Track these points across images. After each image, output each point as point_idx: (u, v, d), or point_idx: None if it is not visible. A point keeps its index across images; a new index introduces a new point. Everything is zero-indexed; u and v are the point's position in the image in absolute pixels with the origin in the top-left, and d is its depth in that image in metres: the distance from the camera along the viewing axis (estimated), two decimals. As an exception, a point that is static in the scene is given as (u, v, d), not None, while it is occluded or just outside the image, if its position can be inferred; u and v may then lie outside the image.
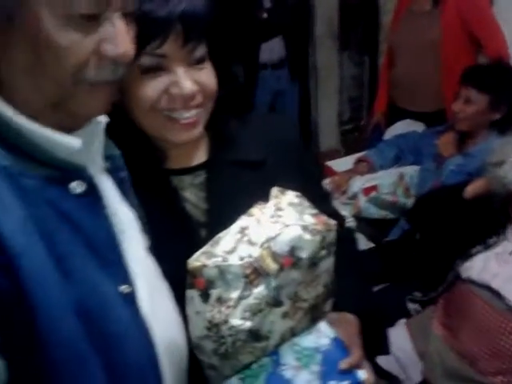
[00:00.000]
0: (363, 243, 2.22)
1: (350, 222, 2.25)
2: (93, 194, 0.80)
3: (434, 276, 1.97)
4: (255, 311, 0.95)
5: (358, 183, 2.43)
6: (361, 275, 1.25)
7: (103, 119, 0.85)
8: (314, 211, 1.04)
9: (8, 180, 0.70)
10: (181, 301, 0.99)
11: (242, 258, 0.94)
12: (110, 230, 0.83)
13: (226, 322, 0.93)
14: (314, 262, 1.00)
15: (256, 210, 1.00)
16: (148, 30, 0.84)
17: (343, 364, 1.01)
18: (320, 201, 1.14)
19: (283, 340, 1.03)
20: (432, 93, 2.73)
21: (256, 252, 0.95)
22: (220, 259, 0.94)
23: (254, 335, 0.97)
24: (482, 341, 1.71)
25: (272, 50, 3.82)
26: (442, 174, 2.23)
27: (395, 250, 2.18)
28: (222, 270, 0.93)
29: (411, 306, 2.00)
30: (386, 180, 2.38)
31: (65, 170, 0.77)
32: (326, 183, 2.53)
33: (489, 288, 1.72)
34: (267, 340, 1.00)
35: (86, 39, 0.71)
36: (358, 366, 1.03)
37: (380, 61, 3.51)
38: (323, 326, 1.06)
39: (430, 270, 2.01)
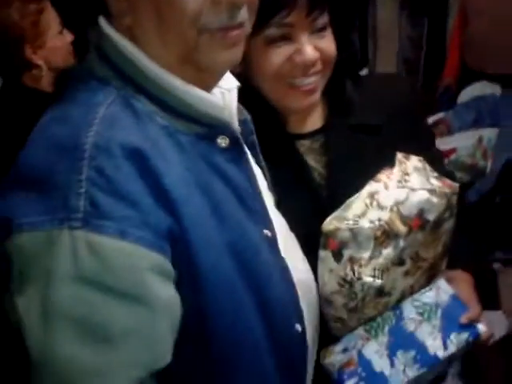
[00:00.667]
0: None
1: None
2: (237, 148, 0.88)
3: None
4: (384, 269, 1.04)
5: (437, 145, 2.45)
6: (472, 232, 1.31)
7: (236, 84, 0.94)
8: (437, 174, 1.10)
9: (168, 137, 0.79)
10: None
11: (372, 222, 1.02)
12: (251, 180, 0.91)
13: (359, 279, 1.02)
14: (438, 223, 1.07)
15: (383, 176, 1.07)
16: (276, 1, 0.90)
17: (464, 318, 1.09)
18: (435, 162, 1.19)
19: (403, 296, 1.11)
20: (510, 54, 2.70)
21: (385, 215, 1.02)
22: (351, 222, 1.02)
23: (380, 291, 1.06)
24: None
25: None
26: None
27: (474, 212, 2.21)
28: (355, 233, 1.02)
29: (494, 266, 2.05)
30: (464, 142, 2.39)
31: (211, 126, 0.85)
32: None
33: None
34: (389, 296, 1.09)
35: None
36: (476, 320, 1.10)
37: (449, 23, 3.46)
38: (442, 284, 1.13)
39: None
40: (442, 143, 2.45)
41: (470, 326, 1.09)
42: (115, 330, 0.69)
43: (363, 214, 1.03)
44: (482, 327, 1.09)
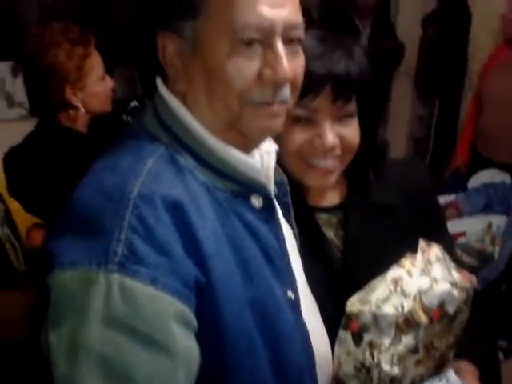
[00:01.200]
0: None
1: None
2: (269, 209, 0.93)
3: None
4: (401, 358, 1.04)
5: (447, 228, 2.49)
6: (481, 325, 1.33)
7: (275, 148, 0.99)
8: (455, 265, 1.13)
9: (206, 193, 0.85)
10: None
11: (395, 308, 1.03)
12: (280, 241, 0.94)
13: (377, 365, 1.02)
14: (455, 315, 1.09)
15: (407, 262, 1.09)
16: (304, 85, 0.94)
17: None
18: (449, 248, 1.23)
19: None
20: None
21: (408, 304, 1.04)
22: (374, 307, 1.03)
23: (393, 379, 1.06)
24: None
25: None
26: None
27: (479, 299, 2.22)
28: (377, 318, 1.03)
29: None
30: (474, 227, 2.43)
31: (247, 186, 0.90)
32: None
33: None
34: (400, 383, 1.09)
35: (250, 65, 0.83)
36: None
37: (463, 106, 3.58)
38: (451, 376, 1.14)
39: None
40: (452, 226, 2.49)
41: None
42: (136, 373, 0.72)
43: (386, 300, 1.04)
44: None
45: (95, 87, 1.78)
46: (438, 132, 4.32)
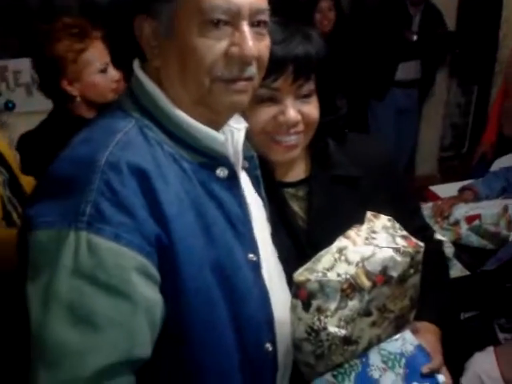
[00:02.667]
0: (459, 270, 2.27)
1: (449, 248, 2.29)
2: (233, 179, 1.02)
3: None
4: (349, 320, 1.12)
5: (462, 210, 2.49)
6: (444, 286, 1.39)
7: (244, 125, 1.09)
8: (405, 233, 1.19)
9: (173, 163, 0.95)
10: None
11: (339, 275, 1.11)
12: (243, 208, 1.03)
13: (324, 328, 1.10)
14: (402, 279, 1.16)
15: (352, 233, 1.17)
16: (267, 67, 1.03)
17: (425, 368, 1.16)
18: (410, 215, 1.32)
19: (370, 345, 1.19)
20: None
21: (352, 270, 1.11)
22: (320, 275, 1.11)
23: (346, 340, 1.14)
24: None
25: (408, 70, 4.02)
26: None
27: (491, 280, 2.21)
28: (323, 285, 1.11)
29: (501, 336, 2.04)
30: (490, 210, 2.41)
31: (213, 158, 0.99)
32: (429, 207, 2.61)
33: None
34: (357, 344, 1.16)
35: (219, 43, 0.92)
36: (438, 371, 1.18)
37: (493, 92, 3.53)
38: (408, 335, 1.21)
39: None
40: (468, 209, 2.50)
41: (431, 376, 1.15)
42: (100, 318, 0.83)
43: (331, 268, 1.12)
44: (441, 378, 1.15)
45: (93, 79, 1.90)
46: (475, 118, 4.26)
